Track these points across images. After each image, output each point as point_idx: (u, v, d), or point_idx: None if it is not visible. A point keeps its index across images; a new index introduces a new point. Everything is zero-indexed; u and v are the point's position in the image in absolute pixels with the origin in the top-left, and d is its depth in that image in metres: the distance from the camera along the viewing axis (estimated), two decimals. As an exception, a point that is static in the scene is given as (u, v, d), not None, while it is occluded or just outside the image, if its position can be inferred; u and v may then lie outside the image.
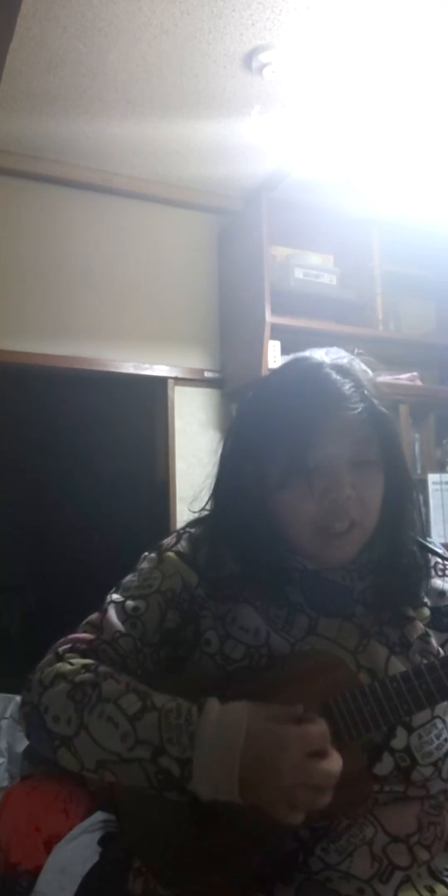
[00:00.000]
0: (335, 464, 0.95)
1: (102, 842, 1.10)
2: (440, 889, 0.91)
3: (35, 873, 2.02)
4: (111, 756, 0.85)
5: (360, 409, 0.96)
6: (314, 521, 0.96)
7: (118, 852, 1.04)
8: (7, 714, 2.69)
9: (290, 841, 0.89)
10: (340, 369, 0.99)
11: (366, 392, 0.98)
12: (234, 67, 2.31)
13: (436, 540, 3.32)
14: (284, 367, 1.08)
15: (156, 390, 3.15)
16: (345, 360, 1.02)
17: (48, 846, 2.09)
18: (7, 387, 3.38)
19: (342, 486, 0.95)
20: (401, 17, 2.09)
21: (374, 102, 2.48)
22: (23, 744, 2.62)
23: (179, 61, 2.28)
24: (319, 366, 1.00)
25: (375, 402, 0.98)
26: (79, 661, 0.94)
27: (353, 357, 1.04)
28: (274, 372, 1.12)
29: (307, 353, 1.04)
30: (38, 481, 4.41)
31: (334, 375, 0.97)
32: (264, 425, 1.00)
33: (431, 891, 0.90)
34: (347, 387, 0.96)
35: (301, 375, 1.00)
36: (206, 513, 1.09)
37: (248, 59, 2.26)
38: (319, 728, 0.83)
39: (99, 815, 1.84)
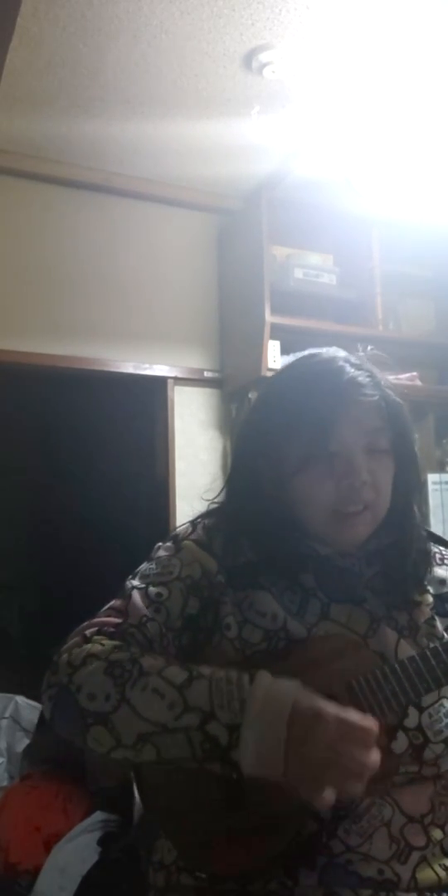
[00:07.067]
0: (352, 449, 1.01)
1: (102, 842, 1.11)
2: None
3: (35, 873, 2.02)
4: (155, 727, 0.85)
5: (376, 398, 1.02)
6: (330, 503, 1.01)
7: (118, 852, 1.05)
8: (7, 714, 2.68)
9: (312, 822, 0.91)
10: (355, 363, 1.05)
11: (381, 383, 1.04)
12: (234, 67, 2.31)
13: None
14: (296, 363, 1.12)
15: (156, 390, 3.15)
16: (357, 355, 1.08)
17: (48, 846, 2.09)
18: (7, 387, 3.38)
19: (359, 470, 1.00)
20: (401, 16, 2.09)
21: (375, 102, 2.48)
22: (23, 744, 2.62)
23: (179, 61, 2.29)
24: (334, 359, 1.05)
25: (389, 392, 1.04)
26: (109, 642, 0.95)
27: (362, 353, 1.10)
28: (285, 368, 1.16)
29: (314, 350, 1.09)
30: (38, 481, 4.40)
31: (349, 367, 1.03)
32: (284, 414, 1.05)
33: (446, 868, 0.94)
34: (363, 377, 1.02)
35: (319, 368, 1.05)
36: (216, 505, 1.13)
37: (248, 59, 2.26)
38: (366, 722, 0.81)
39: (99, 815, 1.85)
